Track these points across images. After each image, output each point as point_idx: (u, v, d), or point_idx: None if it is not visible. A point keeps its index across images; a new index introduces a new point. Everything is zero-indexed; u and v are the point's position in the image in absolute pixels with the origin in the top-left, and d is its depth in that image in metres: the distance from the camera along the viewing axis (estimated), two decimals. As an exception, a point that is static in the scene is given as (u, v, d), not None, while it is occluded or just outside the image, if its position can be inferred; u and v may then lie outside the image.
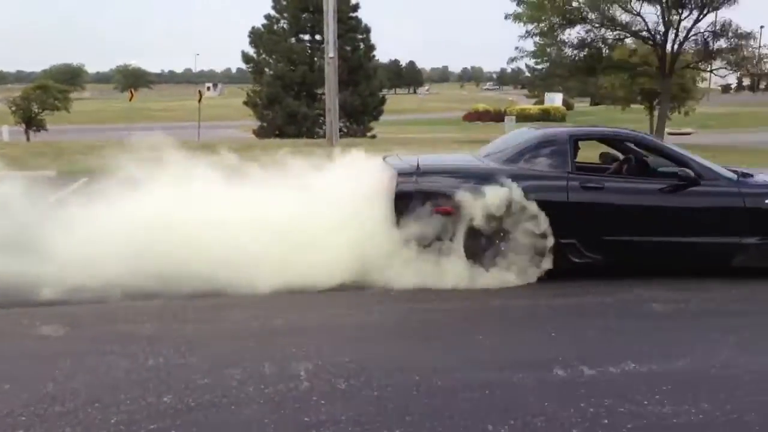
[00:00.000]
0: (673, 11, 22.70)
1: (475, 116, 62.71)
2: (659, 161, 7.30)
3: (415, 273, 6.25)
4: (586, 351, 4.79)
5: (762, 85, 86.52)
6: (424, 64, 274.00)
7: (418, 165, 6.59)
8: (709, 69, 25.47)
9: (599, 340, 5.07)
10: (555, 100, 66.19)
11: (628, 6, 22.95)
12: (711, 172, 6.89)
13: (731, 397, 4.08)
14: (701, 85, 32.80)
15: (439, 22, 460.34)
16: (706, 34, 23.31)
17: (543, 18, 23.84)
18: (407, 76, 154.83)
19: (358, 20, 37.75)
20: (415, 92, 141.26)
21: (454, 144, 23.11)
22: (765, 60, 23.38)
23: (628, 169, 7.36)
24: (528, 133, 7.43)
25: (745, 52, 23.08)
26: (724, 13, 25.85)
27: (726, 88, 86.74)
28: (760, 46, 24.36)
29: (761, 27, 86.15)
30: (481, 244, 6.48)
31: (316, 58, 35.24)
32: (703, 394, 4.12)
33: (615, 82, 28.17)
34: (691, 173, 6.74)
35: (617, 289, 6.32)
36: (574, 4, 23.52)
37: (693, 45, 23.89)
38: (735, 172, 7.14)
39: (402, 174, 6.55)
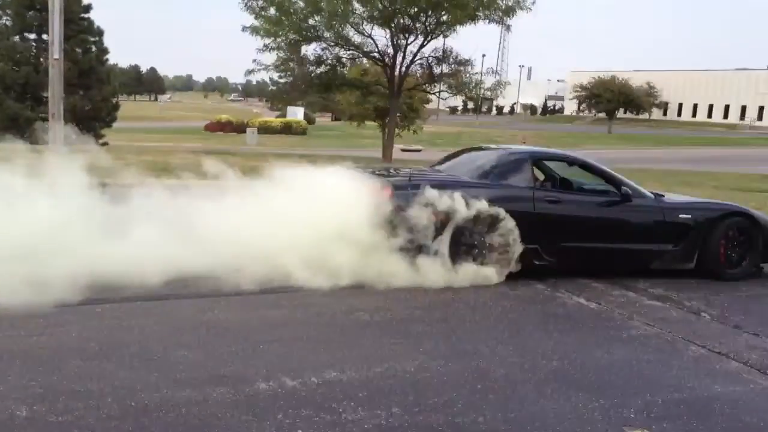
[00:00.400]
0: (401, 36, 24.06)
1: (217, 127, 62.06)
2: (580, 180, 8.65)
3: (402, 274, 7.09)
4: (291, 362, 4.90)
5: (484, 108, 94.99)
6: (168, 71, 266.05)
7: (410, 178, 7.65)
8: (433, 91, 27.30)
9: (306, 351, 5.20)
10: (297, 114, 67.42)
11: (360, 28, 23.98)
12: (638, 191, 8.34)
13: (420, 401, 4.39)
14: (429, 106, 35.02)
15: (185, 30, 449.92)
16: (431, 59, 25.05)
17: (280, 33, 24.15)
18: (148, 83, 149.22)
19: (90, 22, 35.74)
20: (156, 100, 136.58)
21: (190, 154, 22.59)
22: (481, 86, 25.50)
23: (552, 186, 8.61)
24: (491, 151, 8.57)
25: (463, 78, 25.08)
26: (449, 42, 28.11)
27: (453, 110, 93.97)
28: (481, 73, 26.61)
29: (483, 55, 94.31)
30: (464, 250, 7.43)
31: (42, 59, 32.76)
32: (396, 399, 4.39)
33: (350, 99, 29.26)
34: (629, 191, 8.19)
35: (330, 300, 6.55)
36: (311, 21, 24.09)
37: (419, 68, 25.54)
38: (651, 192, 8.60)
39: (397, 187, 7.44)
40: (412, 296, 6.86)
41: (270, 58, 25.48)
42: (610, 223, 8.12)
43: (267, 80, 38.25)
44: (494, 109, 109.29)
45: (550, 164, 8.98)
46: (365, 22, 24.03)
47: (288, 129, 60.28)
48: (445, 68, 25.23)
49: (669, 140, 49.68)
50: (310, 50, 25.64)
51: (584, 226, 7.96)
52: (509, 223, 7.47)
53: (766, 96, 79.75)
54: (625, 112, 74.15)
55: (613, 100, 67.18)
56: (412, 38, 24.21)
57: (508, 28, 24.34)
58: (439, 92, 27.26)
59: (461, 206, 7.30)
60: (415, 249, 7.22)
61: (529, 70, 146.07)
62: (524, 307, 6.83)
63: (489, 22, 23.52)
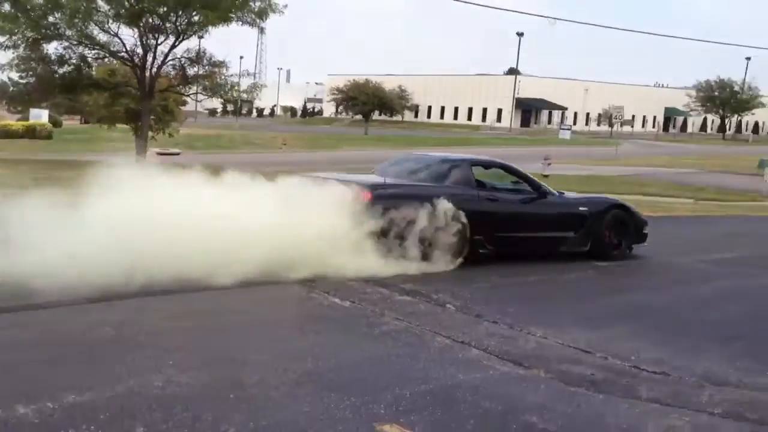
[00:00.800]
0: (150, 36, 23.09)
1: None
2: (492, 181, 10.18)
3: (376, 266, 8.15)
4: (23, 386, 4.46)
5: (244, 111, 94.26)
6: None
7: (385, 183, 9.04)
8: (187, 93, 26.50)
9: (40, 373, 4.78)
10: (41, 116, 62.63)
11: (106, 26, 22.67)
12: (549, 189, 10.18)
13: (168, 417, 4.18)
14: (187, 108, 33.92)
15: None
16: (183, 60, 24.27)
17: (17, 31, 22.22)
18: None
19: None
20: None
21: None
22: (237, 88, 25.18)
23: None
24: (436, 158, 10.14)
25: (218, 79, 24.61)
26: (205, 43, 27.29)
27: (212, 112, 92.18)
28: (239, 75, 26.19)
29: (241, 57, 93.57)
30: (429, 242, 8.68)
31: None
32: (141, 417, 4.15)
33: (99, 101, 27.62)
34: (544, 190, 10.03)
35: (70, 317, 6.10)
36: (51, 18, 22.40)
37: (172, 69, 24.67)
38: (555, 190, 10.39)
39: (375, 188, 8.72)
40: (165, 307, 6.58)
41: (6, 56, 23.37)
42: (532, 215, 9.87)
43: (7, 80, 35.04)
44: (254, 111, 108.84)
45: (474, 168, 10.00)
46: (111, 21, 22.75)
47: (32, 133, 55.73)
48: (200, 70, 24.60)
49: (421, 141, 52.32)
50: (51, 49, 23.83)
51: (514, 219, 9.66)
52: (464, 219, 8.89)
53: (504, 99, 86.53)
54: (380, 114, 77.10)
55: (368, 102, 69.47)
56: (162, 38, 23.30)
57: (262, 30, 24.23)
58: (196, 94, 26.54)
59: (428, 206, 8.62)
60: (392, 242, 8.39)
61: (288, 72, 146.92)
62: (280, 311, 6.81)
63: (242, 24, 23.22)
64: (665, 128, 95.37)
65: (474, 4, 52.84)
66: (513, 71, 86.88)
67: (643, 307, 7.78)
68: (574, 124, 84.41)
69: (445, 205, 8.75)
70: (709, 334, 6.79)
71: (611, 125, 79.70)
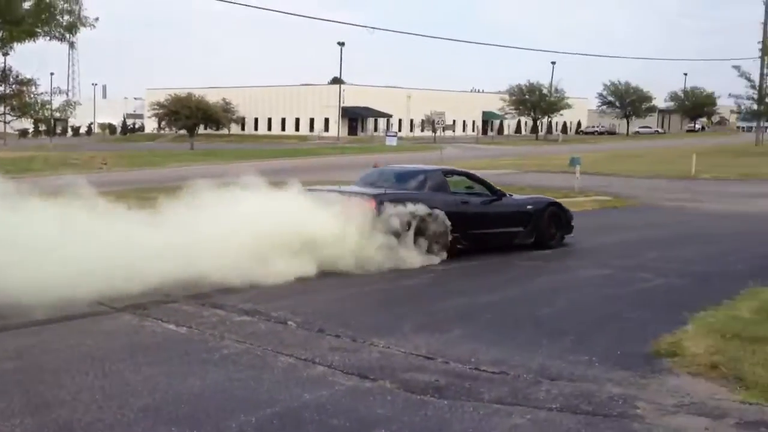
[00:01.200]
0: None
1: None
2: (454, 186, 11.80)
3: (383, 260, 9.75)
4: None
5: (58, 130, 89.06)
6: None
7: (385, 192, 10.66)
8: (-7, 115, 24.73)
9: None
10: None
11: None
12: (502, 192, 12.11)
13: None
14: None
15: None
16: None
17: None
18: None
19: None
20: None
21: None
22: (48, 106, 23.73)
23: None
24: (414, 169, 12.22)
25: (27, 98, 23.10)
26: (10, 60, 25.36)
27: (23, 133, 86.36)
28: (50, 93, 24.62)
29: (52, 74, 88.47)
30: (421, 239, 10.28)
31: None
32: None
33: None
34: (500, 192, 12.00)
35: None
36: None
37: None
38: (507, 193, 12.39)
39: (378, 198, 10.32)
40: (-23, 350, 6.02)
41: None
42: (494, 215, 11.69)
43: None
44: (70, 130, 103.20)
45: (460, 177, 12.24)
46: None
47: None
48: (6, 89, 22.96)
49: (251, 153, 51.64)
50: None
51: (481, 218, 11.47)
52: (446, 221, 10.53)
53: (330, 109, 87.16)
54: (205, 128, 75.30)
55: (191, 116, 67.60)
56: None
57: (72, 45, 23.00)
58: (3, 114, 24.77)
59: (421, 210, 10.28)
60: (393, 239, 9.87)
61: (104, 87, 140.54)
62: (110, 344, 6.40)
63: (51, 39, 21.91)
64: (484, 131, 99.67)
65: (291, 14, 52.77)
66: (337, 80, 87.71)
67: (479, 308, 7.99)
68: (400, 130, 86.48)
69: (428, 209, 10.46)
70: (541, 329, 7.09)
71: (434, 130, 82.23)
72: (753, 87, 50.63)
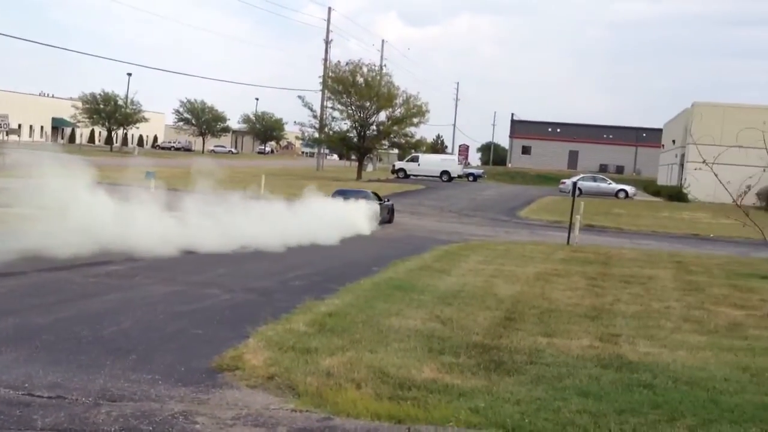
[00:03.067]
0: None
1: None
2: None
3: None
4: None
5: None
6: None
7: (388, 198, 27.61)
8: None
9: None
10: None
11: None
12: (384, 198, 26.71)
13: None
14: None
15: None
16: None
17: None
18: None
19: None
20: None
21: None
22: None
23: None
24: (359, 192, 26.23)
25: None
26: None
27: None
28: None
29: None
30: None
31: None
32: None
33: None
34: (383, 197, 26.61)
35: None
36: None
37: None
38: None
39: (380, 199, 25.56)
40: None
41: None
42: (389, 208, 25.35)
43: None
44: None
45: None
46: None
47: None
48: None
49: None
50: None
51: (388, 210, 25.13)
52: (389, 209, 25.52)
53: None
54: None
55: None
56: None
57: None
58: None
59: (389, 204, 25.59)
60: (381, 218, 23.70)
61: None
62: None
63: None
64: (54, 138, 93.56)
65: None
66: None
67: (35, 329, 7.44)
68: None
69: (387, 204, 25.24)
70: (105, 348, 6.86)
71: (-5, 134, 74.73)
72: (315, 116, 55.20)
